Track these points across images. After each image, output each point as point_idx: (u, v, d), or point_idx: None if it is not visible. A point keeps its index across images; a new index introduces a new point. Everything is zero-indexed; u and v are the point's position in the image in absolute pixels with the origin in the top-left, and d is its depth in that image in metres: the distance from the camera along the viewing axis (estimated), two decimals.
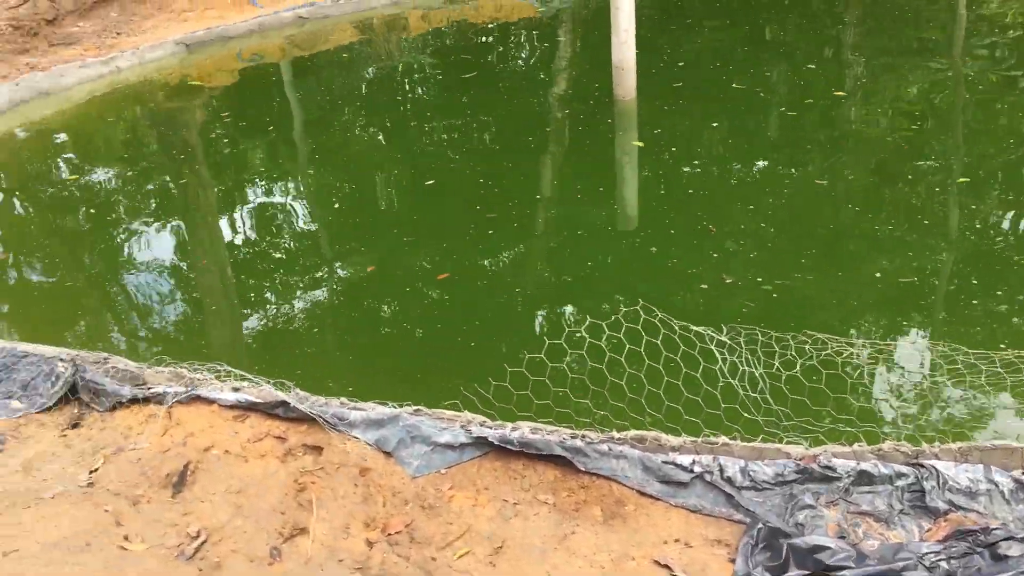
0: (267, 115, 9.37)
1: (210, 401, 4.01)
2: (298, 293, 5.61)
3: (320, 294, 5.52)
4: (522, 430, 3.49)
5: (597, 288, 5.21)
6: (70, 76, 9.86)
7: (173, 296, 5.80)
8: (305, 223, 6.71)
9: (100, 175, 7.95)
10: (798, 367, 3.45)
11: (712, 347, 3.61)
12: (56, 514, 3.48)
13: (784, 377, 3.51)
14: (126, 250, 6.44)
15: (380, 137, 8.57)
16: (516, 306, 5.15)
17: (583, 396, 3.81)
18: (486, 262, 5.69)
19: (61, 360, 4.33)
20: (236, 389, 4.04)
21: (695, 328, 3.51)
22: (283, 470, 3.63)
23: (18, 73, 9.94)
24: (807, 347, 3.57)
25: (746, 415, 3.52)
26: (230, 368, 4.11)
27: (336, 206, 6.80)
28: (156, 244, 6.53)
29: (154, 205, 7.29)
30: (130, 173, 7.95)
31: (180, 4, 12.73)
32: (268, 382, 3.98)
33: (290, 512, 3.40)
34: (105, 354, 4.30)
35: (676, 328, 3.67)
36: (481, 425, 3.54)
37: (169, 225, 6.86)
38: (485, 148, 7.83)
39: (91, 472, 3.76)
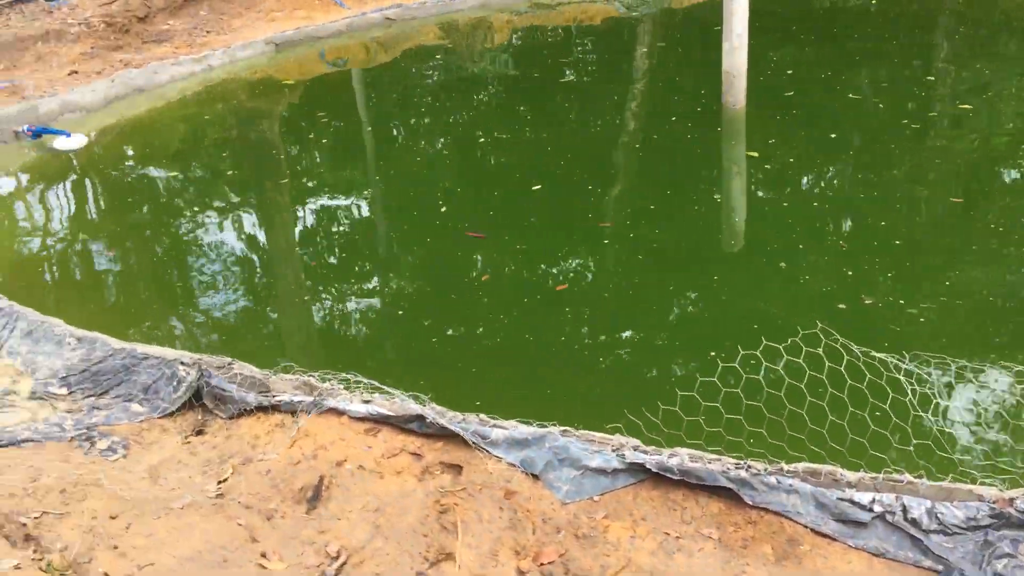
0: (351, 116, 9.31)
1: (339, 412, 3.89)
2: (411, 302, 5.48)
3: (435, 303, 5.38)
4: (680, 457, 3.29)
5: (724, 308, 4.98)
6: (164, 73, 9.93)
7: (275, 298, 5.72)
8: (408, 229, 6.58)
9: (193, 173, 7.97)
10: (987, 400, 3.19)
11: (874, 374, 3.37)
12: (188, 526, 3.38)
13: (971, 410, 3.25)
14: (221, 250, 6.40)
15: (473, 141, 8.44)
16: (638, 321, 4.95)
17: (740, 422, 3.59)
18: (603, 273, 5.50)
19: (183, 364, 4.25)
20: (367, 401, 3.90)
21: (878, 355, 3.26)
22: (421, 489, 3.48)
23: (112, 70, 10.03)
24: (1002, 379, 3.30)
25: (924, 450, 3.28)
26: (360, 378, 3.97)
27: (442, 210, 6.65)
28: (251, 246, 6.47)
29: (255, 204, 7.26)
30: (229, 172, 7.95)
31: (268, 4, 12.79)
32: (403, 395, 3.84)
33: (433, 535, 3.24)
34: (228, 358, 4.20)
35: (845, 354, 3.43)
36: (635, 450, 3.35)
37: (263, 227, 6.81)
38: (585, 154, 7.64)
39: (219, 482, 3.65)
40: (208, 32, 11.57)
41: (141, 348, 4.40)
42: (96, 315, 5.50)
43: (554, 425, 3.53)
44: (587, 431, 3.49)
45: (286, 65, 11.15)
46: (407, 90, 10.38)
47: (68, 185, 7.59)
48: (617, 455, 3.32)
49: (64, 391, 4.33)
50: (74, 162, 8.03)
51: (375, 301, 5.54)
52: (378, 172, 7.87)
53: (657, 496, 3.23)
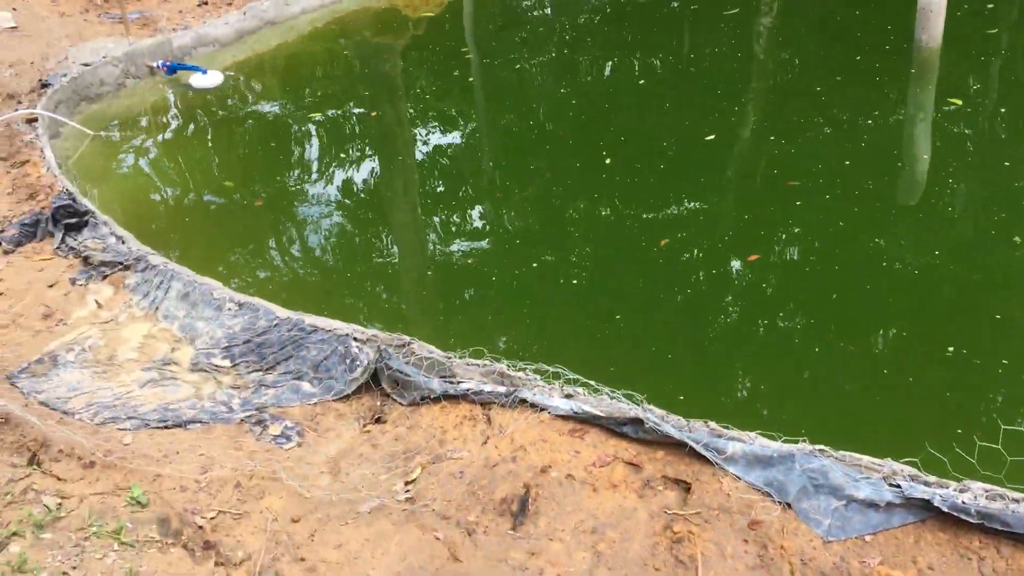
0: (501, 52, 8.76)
1: (537, 407, 3.43)
2: (580, 272, 4.96)
3: (608, 273, 4.84)
4: (973, 492, 2.71)
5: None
6: (295, 5, 9.53)
7: (434, 265, 5.28)
8: (568, 181, 6.01)
9: (332, 115, 7.57)
10: None
11: None
12: (379, 536, 3.00)
13: None
14: (368, 207, 5.99)
15: (626, 80, 7.77)
16: (883, 309, 4.30)
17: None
18: (804, 243, 4.86)
19: (356, 340, 3.85)
20: (568, 396, 3.43)
21: None
22: (643, 508, 3.01)
23: (243, 2, 9.66)
24: None
25: None
26: (559, 369, 3.50)
27: (607, 161, 6.07)
28: (394, 203, 6.03)
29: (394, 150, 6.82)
30: (373, 113, 7.53)
31: None
32: (612, 392, 3.35)
33: (667, 569, 2.77)
34: (407, 336, 3.78)
35: None
36: (912, 480, 2.78)
37: (401, 176, 6.37)
38: (759, 99, 6.91)
39: (407, 483, 3.26)
40: None
41: (309, 319, 4.02)
42: (237, 271, 5.17)
43: (803, 441, 2.99)
44: (847, 452, 2.94)
45: None
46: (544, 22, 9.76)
47: (205, 126, 7.26)
48: (890, 485, 2.77)
49: (227, 363, 4.00)
50: (210, 100, 7.70)
51: (538, 269, 5.01)
52: (529, 122, 7.32)
53: (947, 541, 2.68)
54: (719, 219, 5.14)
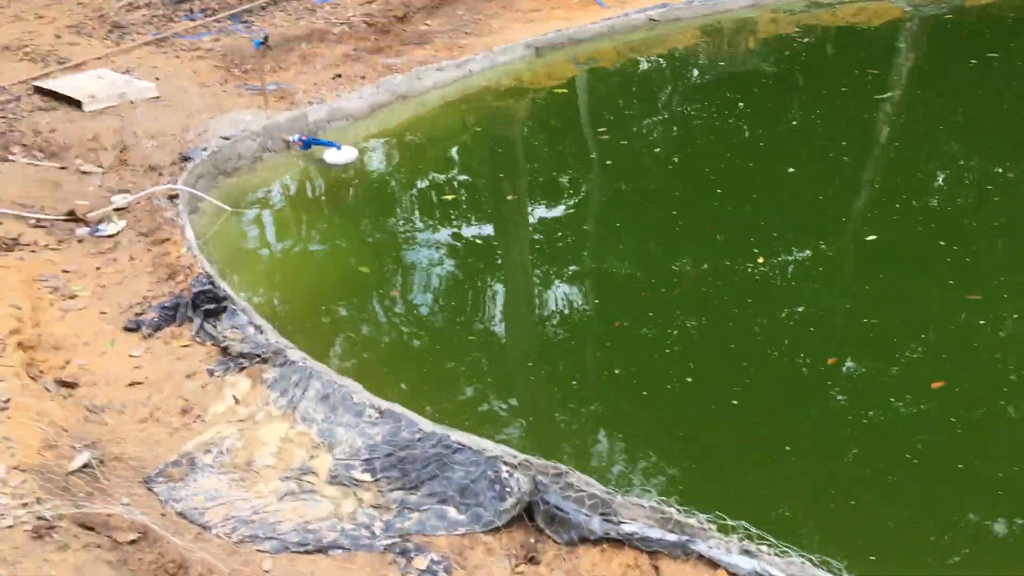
0: (618, 122, 8.54)
1: (712, 563, 3.08)
2: (747, 398, 4.59)
3: (773, 399, 4.47)
4: None
5: None
6: (427, 79, 9.54)
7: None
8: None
9: (467, 194, 7.48)
10: None
11: None
12: None
13: None
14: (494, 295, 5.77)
15: (752, 150, 7.42)
16: None
17: None
18: (998, 372, 4.40)
19: (506, 464, 3.58)
20: (749, 553, 3.07)
21: None
22: None
23: (375, 73, 9.76)
24: None
25: None
26: (739, 523, 3.15)
27: (759, 260, 5.73)
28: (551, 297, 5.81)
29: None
30: (508, 198, 7.38)
31: (525, 3, 12.26)
32: (801, 554, 2.98)
33: None
34: (562, 466, 3.50)
35: None
36: None
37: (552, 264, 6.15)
38: (925, 188, 6.47)
39: None
40: (468, 34, 11.14)
41: (455, 436, 3.78)
42: (375, 369, 4.99)
43: None
44: None
45: (542, 68, 10.56)
46: (652, 93, 9.57)
47: (338, 204, 7.23)
48: None
49: (368, 477, 3.79)
50: (343, 177, 7.70)
51: (692, 386, 4.67)
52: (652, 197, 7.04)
53: None
54: (890, 335, 4.73)
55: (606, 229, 6.45)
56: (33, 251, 5.89)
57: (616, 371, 4.73)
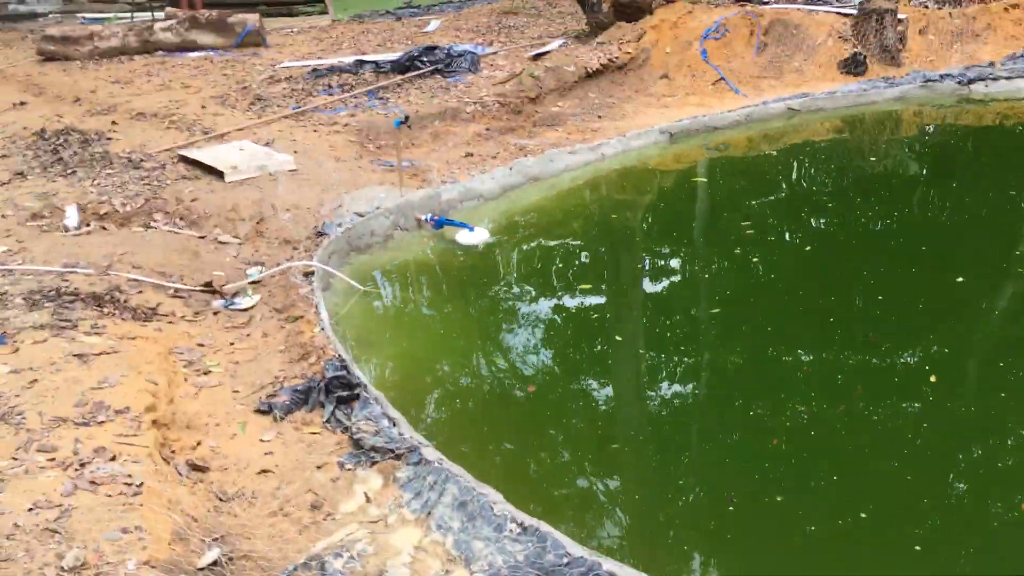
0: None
1: None
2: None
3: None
4: None
5: None
6: (559, 162, 9.46)
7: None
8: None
9: (601, 287, 7.22)
10: None
11: None
12: None
13: None
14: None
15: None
16: None
17: None
18: None
19: None
20: None
21: None
22: None
23: (506, 152, 9.74)
24: None
25: None
26: None
27: (932, 380, 5.26)
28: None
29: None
30: (654, 293, 7.11)
31: (659, 88, 12.16)
32: None
33: None
34: None
35: None
36: None
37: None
38: None
39: None
40: (600, 117, 11.07)
41: (607, 564, 3.47)
42: (513, 474, 4.72)
43: None
44: None
45: (678, 155, 10.35)
46: (795, 186, 9.22)
47: (470, 290, 7.09)
48: None
49: None
50: (475, 260, 7.57)
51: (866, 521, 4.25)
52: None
53: None
54: None
55: (758, 335, 6.09)
56: (171, 322, 5.91)
57: (778, 498, 4.33)
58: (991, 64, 12.47)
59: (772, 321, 6.20)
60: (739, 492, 4.40)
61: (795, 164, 10.24)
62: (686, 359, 5.84)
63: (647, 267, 7.61)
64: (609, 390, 5.62)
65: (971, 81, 11.85)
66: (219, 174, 8.36)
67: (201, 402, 5.03)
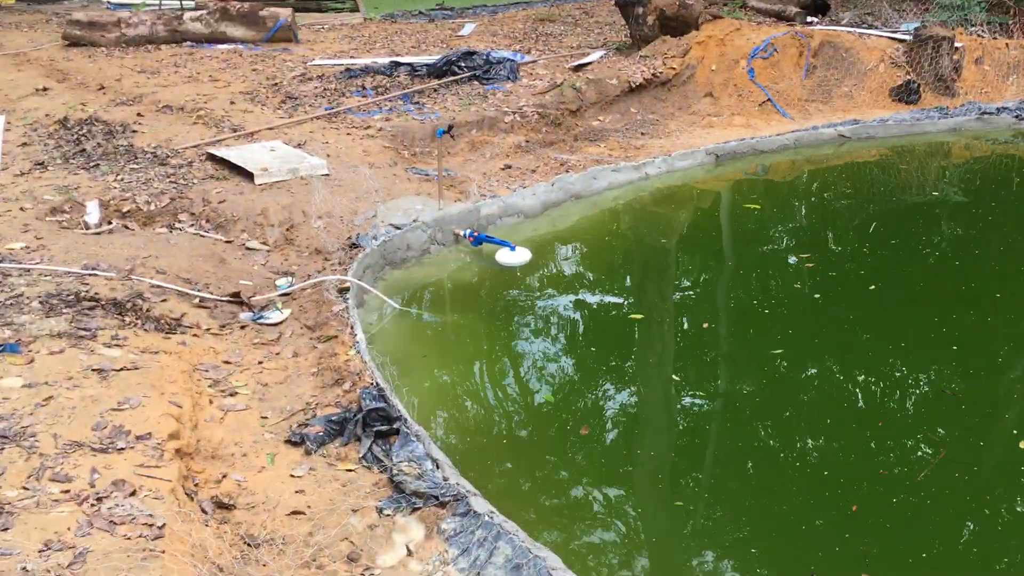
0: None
1: None
2: None
3: None
4: None
5: None
6: (602, 180, 9.10)
7: None
8: None
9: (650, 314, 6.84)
10: None
11: None
12: None
13: None
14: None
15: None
16: None
17: None
18: None
19: None
20: None
21: None
22: None
23: (546, 167, 9.38)
24: None
25: None
26: None
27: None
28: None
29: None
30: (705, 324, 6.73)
31: (703, 106, 11.78)
32: None
33: None
34: None
35: None
36: None
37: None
38: None
39: None
40: (643, 134, 10.70)
41: None
42: (567, 528, 4.34)
43: None
44: None
45: (721, 177, 9.97)
46: (854, 217, 8.84)
47: (514, 313, 6.71)
48: None
49: None
50: (517, 280, 7.20)
51: None
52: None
53: None
54: None
55: (827, 383, 5.70)
56: (196, 335, 5.56)
57: None
58: None
59: (843, 365, 5.82)
60: (821, 566, 4.01)
61: (849, 193, 9.83)
62: (762, 406, 5.43)
63: (698, 298, 7.22)
64: (672, 434, 5.23)
65: None
66: (248, 175, 8.02)
67: (227, 428, 4.68)
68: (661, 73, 11.83)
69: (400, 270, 7.10)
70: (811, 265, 7.39)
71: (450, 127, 7.45)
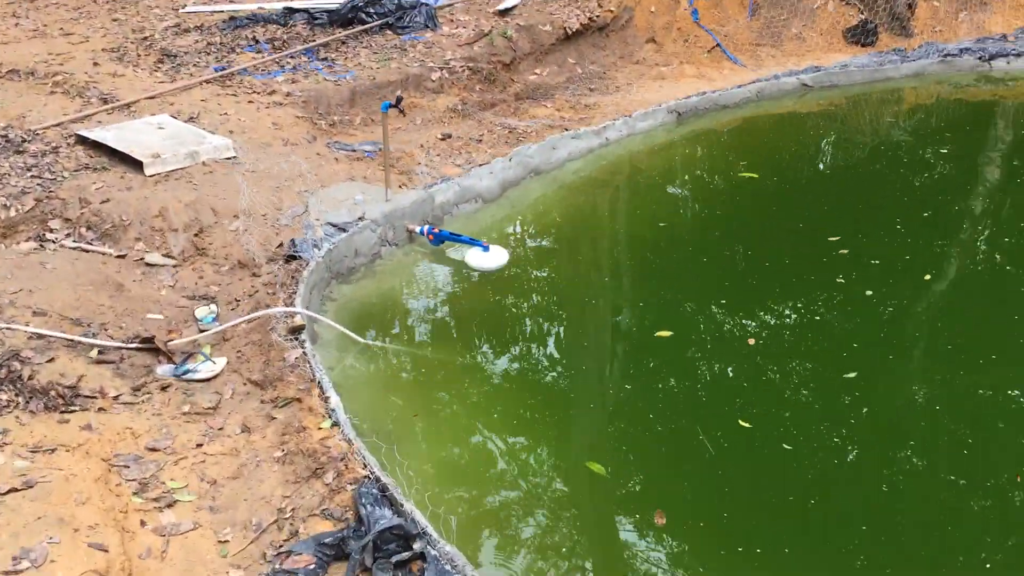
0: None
1: None
2: None
3: None
4: None
5: None
6: (562, 149, 7.92)
7: None
8: None
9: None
10: None
11: None
12: None
13: None
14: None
15: None
16: None
17: None
18: None
19: None
20: None
21: None
22: None
23: (493, 136, 8.12)
24: None
25: None
26: None
27: None
28: None
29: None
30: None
31: (646, 54, 10.69)
32: None
33: None
34: None
35: None
36: None
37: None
38: None
39: None
40: (592, 90, 9.54)
41: None
42: None
43: None
44: None
45: (684, 139, 8.93)
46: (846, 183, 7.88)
47: (506, 335, 5.50)
48: None
49: None
50: (497, 288, 5.98)
51: None
52: None
53: None
54: None
55: (891, 395, 4.77)
56: (102, 408, 4.15)
57: None
58: (1004, 37, 11.51)
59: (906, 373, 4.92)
60: None
61: (849, 154, 8.87)
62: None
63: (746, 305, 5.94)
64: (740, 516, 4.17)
65: (992, 57, 10.83)
66: (135, 163, 6.46)
67: (174, 567, 3.35)
68: (599, 17, 10.62)
69: (349, 284, 5.77)
70: (844, 251, 6.38)
71: (399, 99, 6.07)
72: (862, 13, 11.31)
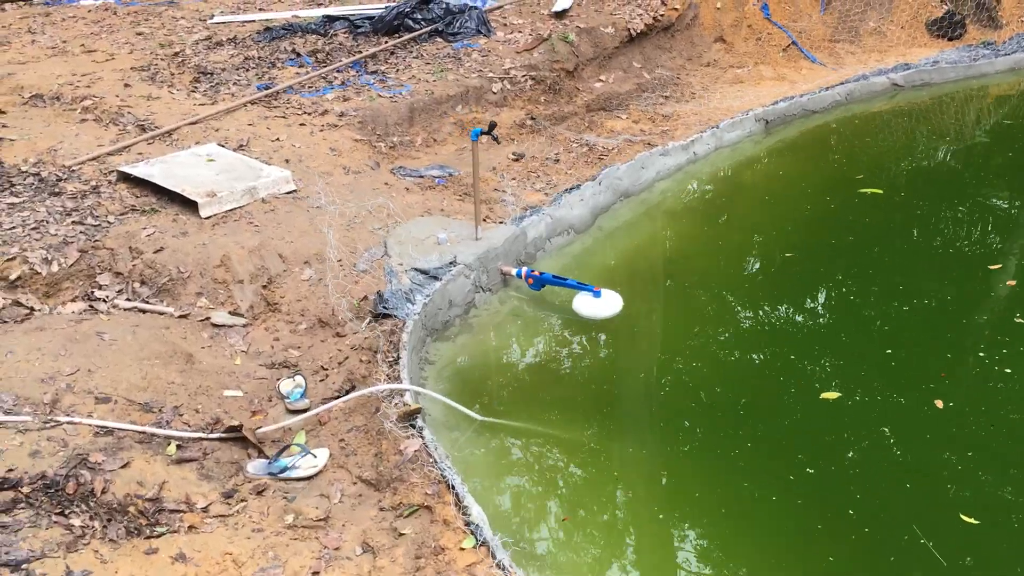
0: None
1: None
2: None
3: None
4: None
5: None
6: (650, 168, 7.23)
7: None
8: None
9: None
10: None
11: None
12: None
13: None
14: None
15: None
16: None
17: None
18: None
19: None
20: None
21: None
22: None
23: (570, 155, 7.43)
24: None
25: None
26: None
27: None
28: None
29: None
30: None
31: (717, 56, 9.98)
32: None
33: None
34: None
35: None
36: None
37: None
38: None
39: None
40: (666, 98, 8.84)
41: None
42: None
43: None
44: None
45: (776, 151, 8.21)
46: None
47: (647, 397, 4.80)
48: None
49: None
50: (618, 341, 5.27)
51: None
52: None
53: None
54: None
55: None
56: (192, 527, 3.45)
57: None
58: None
59: None
60: None
61: (965, 160, 8.13)
62: None
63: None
64: None
65: None
66: (187, 202, 5.78)
67: None
68: (663, 16, 9.91)
69: (445, 342, 5.08)
70: (1012, 283, 5.67)
71: (492, 125, 5.37)
72: (945, 3, 10.57)
